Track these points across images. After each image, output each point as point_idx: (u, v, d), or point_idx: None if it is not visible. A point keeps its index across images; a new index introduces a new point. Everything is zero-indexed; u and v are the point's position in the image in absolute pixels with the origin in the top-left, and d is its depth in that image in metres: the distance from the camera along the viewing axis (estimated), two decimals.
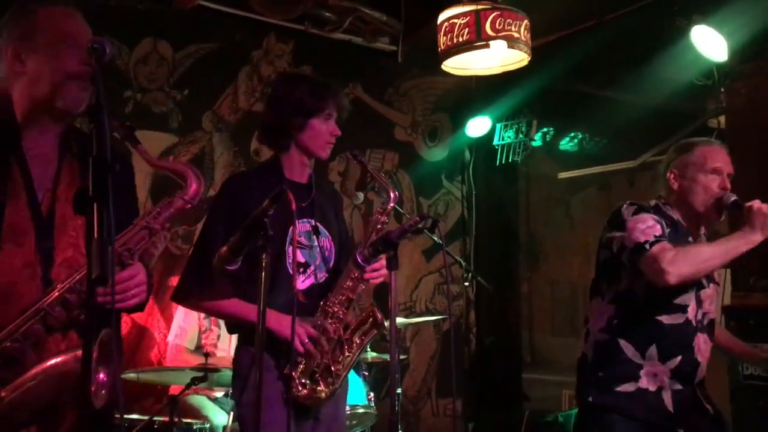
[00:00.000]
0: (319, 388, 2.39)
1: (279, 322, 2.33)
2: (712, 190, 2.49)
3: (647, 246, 2.36)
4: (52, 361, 1.68)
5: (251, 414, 2.33)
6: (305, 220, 2.48)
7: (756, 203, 2.40)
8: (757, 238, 2.37)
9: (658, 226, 2.43)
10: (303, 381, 2.37)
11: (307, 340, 2.36)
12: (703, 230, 2.60)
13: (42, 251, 1.74)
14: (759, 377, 3.36)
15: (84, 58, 1.75)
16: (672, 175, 2.56)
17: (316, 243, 2.50)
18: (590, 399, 2.53)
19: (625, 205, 2.53)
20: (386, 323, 2.46)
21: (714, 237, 2.58)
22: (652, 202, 2.58)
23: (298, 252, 2.45)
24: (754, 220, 2.38)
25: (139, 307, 1.85)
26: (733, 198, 2.47)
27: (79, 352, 1.63)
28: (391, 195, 2.53)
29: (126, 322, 3.99)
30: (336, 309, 2.44)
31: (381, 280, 2.50)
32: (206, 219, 2.56)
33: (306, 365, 2.39)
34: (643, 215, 2.46)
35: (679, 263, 2.33)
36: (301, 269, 2.45)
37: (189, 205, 1.87)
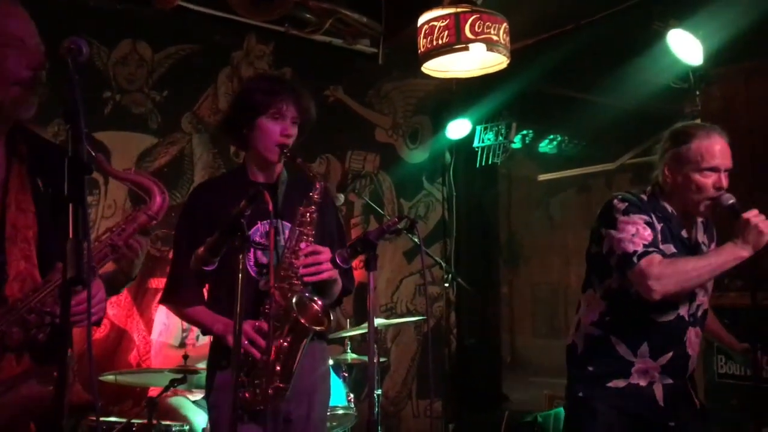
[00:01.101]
0: (264, 390, 2.33)
1: (225, 326, 2.36)
2: (707, 190, 2.41)
3: (635, 259, 2.34)
4: (18, 389, 1.62)
5: (218, 415, 2.39)
6: (267, 221, 2.41)
7: (753, 216, 2.33)
8: (746, 254, 2.32)
9: (648, 231, 2.39)
10: (252, 383, 2.33)
11: (246, 342, 2.31)
12: (699, 219, 2.55)
13: None
14: (733, 376, 3.42)
15: (31, 62, 1.70)
16: (667, 168, 2.48)
17: (281, 243, 2.47)
18: (580, 394, 2.53)
19: (616, 200, 2.48)
20: (327, 320, 2.39)
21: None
22: (648, 190, 2.53)
23: (260, 253, 2.42)
24: (747, 235, 2.32)
25: (96, 324, 1.84)
26: (731, 201, 2.40)
27: (46, 374, 1.60)
28: (317, 186, 2.43)
29: (105, 325, 3.96)
30: (275, 309, 2.36)
31: (321, 277, 2.41)
32: (175, 228, 2.59)
33: (252, 367, 2.34)
34: (633, 216, 2.41)
35: (665, 281, 2.31)
36: (265, 270, 2.41)
37: (153, 221, 1.82)
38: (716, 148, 2.42)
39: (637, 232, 2.38)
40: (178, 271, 2.48)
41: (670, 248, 2.45)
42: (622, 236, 2.39)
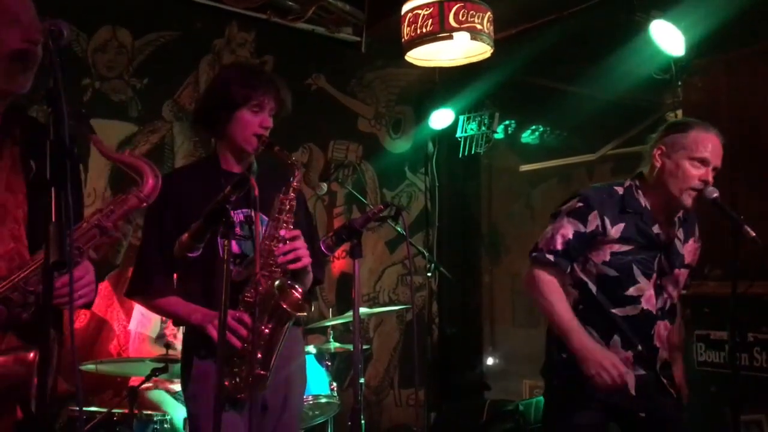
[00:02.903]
0: (244, 379, 2.33)
1: (204, 316, 2.34)
2: (691, 180, 2.45)
3: (534, 253, 2.55)
4: None
5: (196, 406, 2.37)
6: (240, 210, 2.42)
7: (595, 372, 2.37)
8: (572, 349, 2.43)
9: (561, 241, 2.50)
10: (232, 371, 2.33)
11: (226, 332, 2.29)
12: (680, 213, 2.56)
13: None
14: (712, 364, 3.46)
15: (26, 35, 1.69)
16: (659, 152, 2.51)
17: (254, 234, 2.46)
18: (555, 382, 2.58)
19: (576, 198, 2.56)
20: (305, 306, 2.41)
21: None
22: (627, 183, 2.58)
23: (234, 243, 2.38)
24: (583, 363, 2.41)
25: (86, 306, 1.81)
26: (715, 195, 2.43)
27: (21, 355, 1.59)
28: (296, 174, 2.44)
29: (85, 314, 3.92)
30: (254, 298, 2.35)
31: (298, 265, 2.41)
32: (144, 219, 2.52)
33: (231, 356, 2.34)
34: (569, 221, 2.51)
35: (534, 289, 2.52)
36: (238, 260, 2.40)
37: (144, 203, 1.80)
38: (711, 143, 2.48)
39: (556, 233, 2.51)
40: (147, 261, 2.43)
41: (630, 246, 2.49)
42: (547, 230, 2.56)
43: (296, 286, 2.40)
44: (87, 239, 1.74)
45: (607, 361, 2.37)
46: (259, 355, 2.34)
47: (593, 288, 2.53)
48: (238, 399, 2.34)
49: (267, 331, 2.35)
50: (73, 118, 1.73)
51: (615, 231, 2.50)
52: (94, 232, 1.75)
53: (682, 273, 2.59)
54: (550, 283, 2.50)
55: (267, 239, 2.39)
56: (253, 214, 2.42)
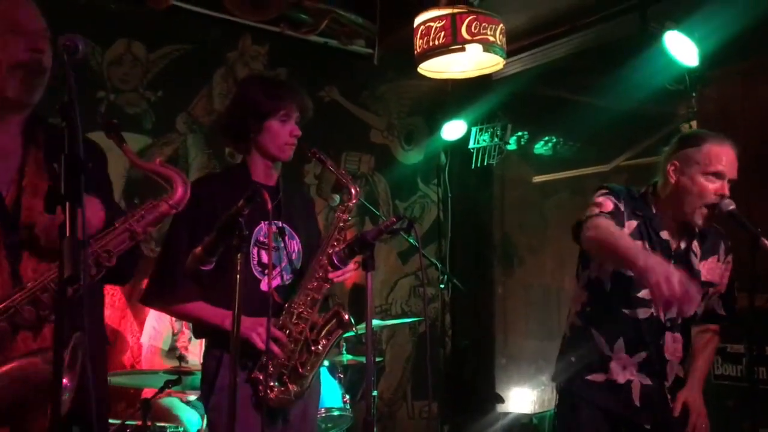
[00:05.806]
0: (286, 389, 2.38)
1: (241, 324, 2.33)
2: (708, 196, 2.39)
3: (586, 216, 2.37)
4: (18, 363, 1.63)
5: (219, 417, 2.34)
6: (264, 223, 2.43)
7: (654, 283, 2.07)
8: (637, 268, 2.16)
9: (611, 205, 2.40)
10: (270, 383, 2.35)
11: (268, 340, 2.31)
12: (700, 225, 2.46)
13: (8, 246, 1.70)
14: (729, 377, 3.42)
15: (30, 45, 1.73)
16: (672, 167, 2.46)
17: (282, 244, 2.48)
18: (562, 385, 2.58)
19: (600, 188, 2.52)
20: (353, 322, 2.48)
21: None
22: (642, 189, 2.56)
23: (264, 253, 2.44)
24: (646, 276, 2.11)
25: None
26: (731, 207, 2.37)
27: (49, 354, 1.60)
28: (353, 192, 2.52)
29: None
30: (301, 309, 2.43)
31: (344, 279, 2.50)
32: (170, 223, 2.49)
33: (273, 367, 2.36)
34: (603, 197, 2.42)
35: (593, 231, 2.30)
36: (267, 270, 2.42)
37: (174, 210, 1.84)
38: (726, 156, 2.42)
39: (600, 204, 2.40)
40: (173, 267, 2.42)
41: (645, 245, 2.45)
42: (591, 203, 2.43)
43: (344, 305, 2.48)
44: (117, 243, 1.76)
45: (675, 277, 2.07)
46: (307, 367, 2.41)
47: (607, 285, 2.49)
48: (279, 409, 2.37)
49: (324, 342, 2.43)
50: (105, 129, 1.78)
51: (627, 227, 2.47)
52: (124, 237, 1.77)
53: (701, 290, 2.50)
54: (608, 224, 2.32)
55: (323, 255, 2.46)
56: (282, 225, 2.46)
